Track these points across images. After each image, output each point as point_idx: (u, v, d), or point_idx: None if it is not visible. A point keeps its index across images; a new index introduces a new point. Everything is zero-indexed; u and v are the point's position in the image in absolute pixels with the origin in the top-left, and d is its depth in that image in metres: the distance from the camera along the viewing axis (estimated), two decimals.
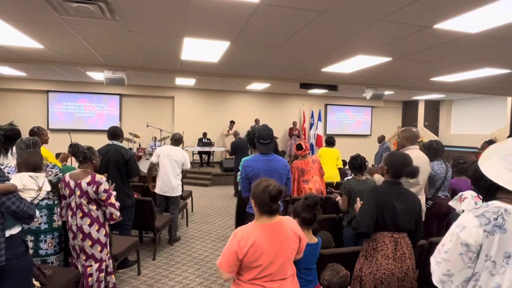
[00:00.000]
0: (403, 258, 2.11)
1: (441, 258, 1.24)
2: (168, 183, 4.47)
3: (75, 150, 2.81)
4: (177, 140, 4.66)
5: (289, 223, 1.84)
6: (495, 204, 1.20)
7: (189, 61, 5.63)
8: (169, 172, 4.46)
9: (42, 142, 3.20)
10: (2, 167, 2.79)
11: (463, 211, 2.46)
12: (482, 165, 1.27)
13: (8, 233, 1.90)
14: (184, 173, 4.71)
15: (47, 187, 2.20)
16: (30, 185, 2.04)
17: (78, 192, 2.65)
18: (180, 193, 4.65)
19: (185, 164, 4.60)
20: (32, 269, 2.12)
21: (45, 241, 2.70)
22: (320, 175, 4.26)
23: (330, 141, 5.77)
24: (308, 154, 4.39)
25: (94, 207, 2.69)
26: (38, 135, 3.79)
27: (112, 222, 2.80)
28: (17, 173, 2.17)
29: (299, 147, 4.33)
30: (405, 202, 2.16)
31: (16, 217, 1.90)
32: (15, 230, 1.96)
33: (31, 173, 2.12)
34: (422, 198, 3.15)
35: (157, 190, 4.54)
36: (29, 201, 2.01)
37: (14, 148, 3.70)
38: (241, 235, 1.69)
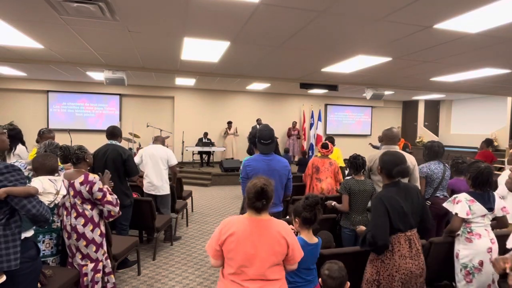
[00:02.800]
0: (418, 254, 2.13)
1: None
2: (151, 182, 4.45)
3: (66, 153, 2.79)
4: (161, 141, 4.72)
5: (279, 225, 1.78)
6: None
7: (189, 61, 5.63)
8: (152, 171, 4.44)
9: None
10: (16, 163, 2.79)
11: (456, 214, 2.49)
12: None
13: (22, 235, 1.89)
14: (173, 169, 4.68)
15: (63, 191, 2.20)
16: (50, 189, 2.05)
17: (72, 192, 2.64)
18: (168, 193, 4.58)
19: (170, 160, 4.56)
20: (39, 273, 2.10)
21: (43, 241, 2.66)
22: (334, 179, 4.28)
23: (331, 141, 5.78)
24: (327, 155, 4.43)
25: (88, 207, 2.67)
26: (41, 137, 3.83)
27: (111, 219, 2.78)
28: (34, 176, 2.16)
29: (324, 145, 4.39)
30: (410, 200, 2.16)
31: (34, 220, 1.89)
32: (29, 233, 1.96)
33: (50, 177, 2.12)
34: None
35: (144, 189, 4.54)
36: (47, 204, 1.99)
37: (17, 147, 3.73)
38: (225, 224, 1.77)
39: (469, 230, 2.52)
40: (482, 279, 2.42)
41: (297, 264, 1.86)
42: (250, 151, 7.17)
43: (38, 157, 2.21)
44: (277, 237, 1.73)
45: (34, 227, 2.05)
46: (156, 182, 4.44)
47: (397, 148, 3.06)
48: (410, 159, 3.07)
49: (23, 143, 3.94)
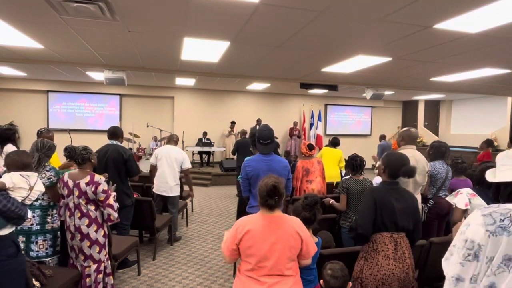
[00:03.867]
0: (403, 258, 2.11)
1: (449, 254, 1.25)
2: (165, 183, 4.46)
3: (72, 153, 2.80)
4: (176, 141, 4.73)
5: (292, 222, 1.86)
6: (507, 206, 1.17)
7: (189, 61, 5.63)
8: (166, 172, 4.46)
9: None
10: None
11: (455, 204, 2.56)
12: (500, 174, 1.24)
13: None
14: (186, 172, 4.69)
15: (40, 187, 2.15)
16: (21, 184, 2.00)
17: (76, 192, 2.64)
18: (178, 194, 4.62)
19: (184, 163, 4.59)
20: (25, 271, 2.06)
21: (36, 242, 2.64)
22: (322, 176, 4.28)
23: (335, 142, 5.78)
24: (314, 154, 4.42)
25: (92, 207, 2.67)
26: (40, 137, 3.83)
27: (109, 223, 2.78)
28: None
29: (310, 147, 4.35)
30: (403, 202, 2.16)
31: (4, 217, 1.86)
32: (6, 231, 1.92)
33: (22, 172, 2.08)
34: (418, 197, 3.15)
35: (154, 189, 4.54)
36: (20, 200, 1.96)
37: (6, 147, 3.72)
38: (240, 223, 1.84)
39: None
40: None
41: (311, 259, 1.92)
42: (234, 152, 7.24)
43: (11, 154, 2.18)
44: (291, 232, 1.79)
45: (15, 226, 2.01)
46: (170, 182, 4.46)
47: (415, 148, 3.19)
48: (426, 161, 3.20)
49: (14, 143, 3.92)
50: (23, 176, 2.06)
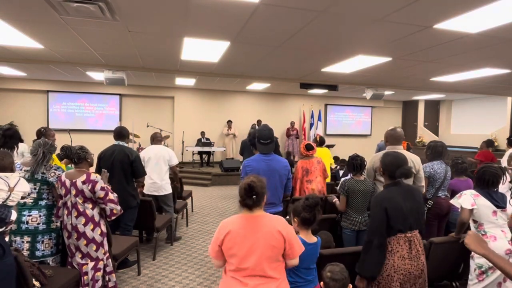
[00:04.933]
0: (418, 256, 2.12)
1: None
2: (154, 182, 4.43)
3: (68, 152, 2.80)
4: (160, 140, 4.70)
5: (274, 220, 1.82)
6: None
7: (189, 61, 5.63)
8: (154, 172, 4.43)
9: None
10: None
11: (461, 206, 2.54)
12: None
13: None
14: (173, 169, 4.66)
15: (24, 188, 2.14)
16: None
17: (73, 191, 2.65)
18: (170, 192, 4.57)
19: (171, 160, 4.55)
20: (13, 273, 2.01)
21: (42, 241, 2.67)
22: (323, 176, 4.26)
23: (323, 141, 5.85)
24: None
25: (89, 206, 2.68)
26: (44, 135, 3.83)
27: (113, 217, 2.78)
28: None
29: (308, 147, 4.31)
30: (411, 201, 2.15)
31: None
32: None
33: (0, 174, 2.06)
34: None
35: (145, 190, 4.52)
36: (0, 202, 1.93)
37: (20, 146, 3.73)
38: (222, 224, 1.84)
39: (483, 233, 2.51)
40: (494, 277, 2.41)
41: (298, 259, 1.86)
42: (242, 152, 7.29)
43: None
44: (273, 231, 1.76)
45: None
46: (159, 181, 4.44)
47: (401, 148, 3.08)
48: (416, 160, 3.09)
49: (22, 141, 3.93)
50: (1, 177, 2.04)
